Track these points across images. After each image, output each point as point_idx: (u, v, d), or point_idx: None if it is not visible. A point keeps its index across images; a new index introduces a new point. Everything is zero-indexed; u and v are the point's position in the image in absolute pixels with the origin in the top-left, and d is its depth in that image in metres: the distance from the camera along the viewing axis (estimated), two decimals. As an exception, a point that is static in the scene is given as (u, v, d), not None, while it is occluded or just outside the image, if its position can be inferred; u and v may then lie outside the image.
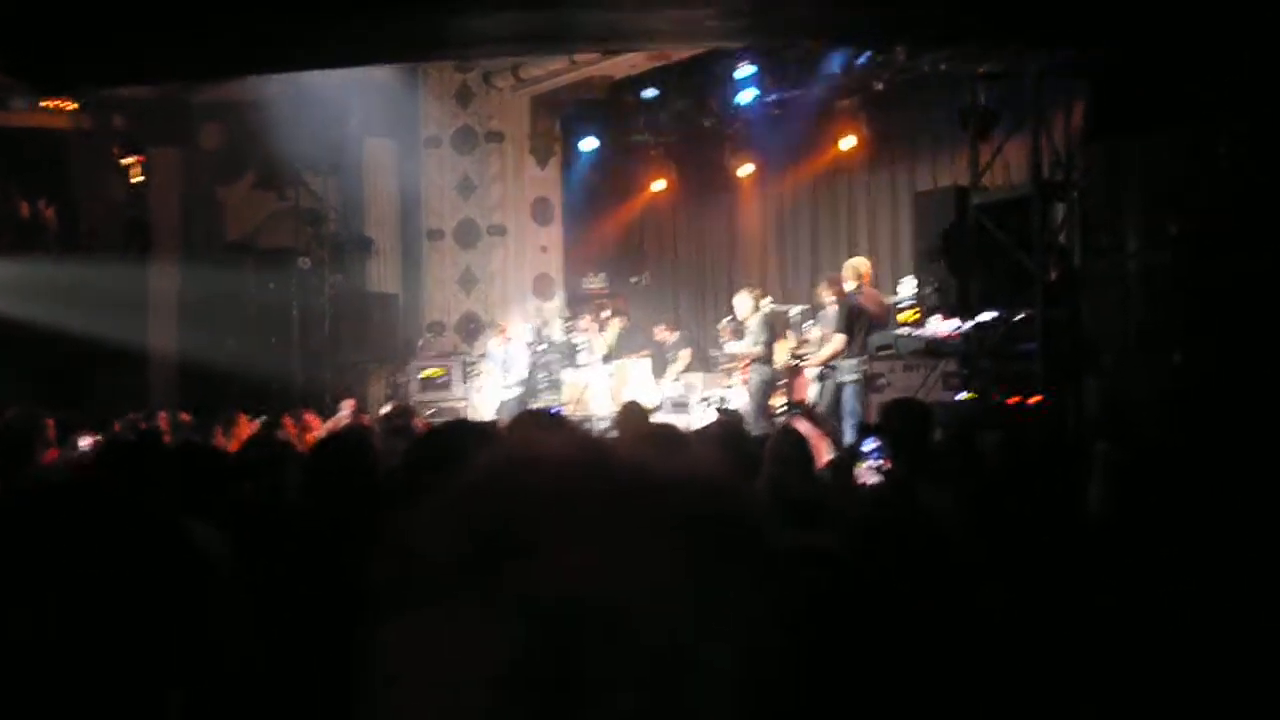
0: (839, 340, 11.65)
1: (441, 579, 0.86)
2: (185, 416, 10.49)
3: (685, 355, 16.18)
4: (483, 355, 16.25)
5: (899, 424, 5.85)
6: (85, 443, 9.38)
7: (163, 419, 10.58)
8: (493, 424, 4.51)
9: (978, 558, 3.13)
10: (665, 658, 0.82)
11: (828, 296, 12.43)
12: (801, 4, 8.35)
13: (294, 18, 7.86)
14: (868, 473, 5.66)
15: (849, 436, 9.88)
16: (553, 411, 13.67)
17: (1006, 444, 5.88)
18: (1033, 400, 9.66)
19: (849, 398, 11.65)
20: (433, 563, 0.87)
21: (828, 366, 11.97)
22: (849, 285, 12.06)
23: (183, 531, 2.16)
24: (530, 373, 15.71)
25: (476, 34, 9.20)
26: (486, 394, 15.82)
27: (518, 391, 15.40)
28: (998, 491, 3.77)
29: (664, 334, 16.58)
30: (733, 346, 13.83)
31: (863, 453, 5.78)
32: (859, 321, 11.66)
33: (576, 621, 0.82)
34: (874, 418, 9.72)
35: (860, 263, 12.43)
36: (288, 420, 9.49)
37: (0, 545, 2.13)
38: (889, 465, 5.52)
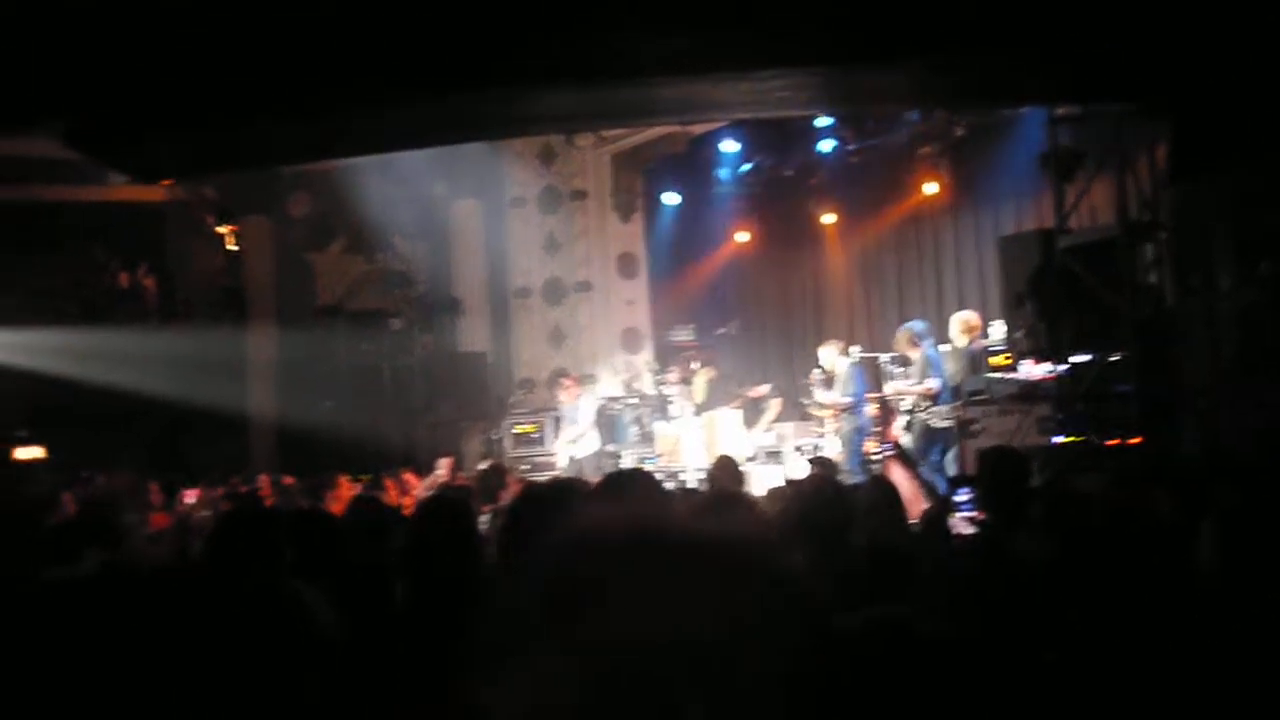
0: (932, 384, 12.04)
1: (526, 627, 1.00)
2: (287, 480, 10.69)
3: (776, 405, 16.14)
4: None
5: (993, 473, 5.80)
6: (191, 499, 9.62)
7: (264, 482, 10.79)
8: (584, 485, 4.56)
9: (1074, 611, 3.10)
10: (715, 692, 0.96)
11: (910, 349, 12.61)
12: (869, 74, 8.39)
13: (368, 104, 8.04)
14: (961, 523, 5.64)
15: (937, 483, 9.85)
16: (643, 468, 13.71)
17: (1109, 486, 5.79)
18: (1133, 441, 9.50)
19: (937, 442, 11.79)
20: (518, 612, 1.02)
21: (917, 412, 12.08)
22: (960, 340, 12.50)
23: (300, 604, 2.25)
24: (604, 426, 15.74)
25: (549, 112, 9.32)
26: (559, 448, 15.93)
27: (590, 446, 15.43)
28: (1099, 538, 3.71)
29: (755, 392, 16.57)
30: (823, 395, 13.82)
31: (956, 503, 5.76)
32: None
33: (638, 660, 0.95)
34: (969, 466, 9.66)
35: (971, 316, 12.85)
36: (388, 481, 9.65)
37: (130, 622, 2.24)
38: (982, 516, 5.49)
